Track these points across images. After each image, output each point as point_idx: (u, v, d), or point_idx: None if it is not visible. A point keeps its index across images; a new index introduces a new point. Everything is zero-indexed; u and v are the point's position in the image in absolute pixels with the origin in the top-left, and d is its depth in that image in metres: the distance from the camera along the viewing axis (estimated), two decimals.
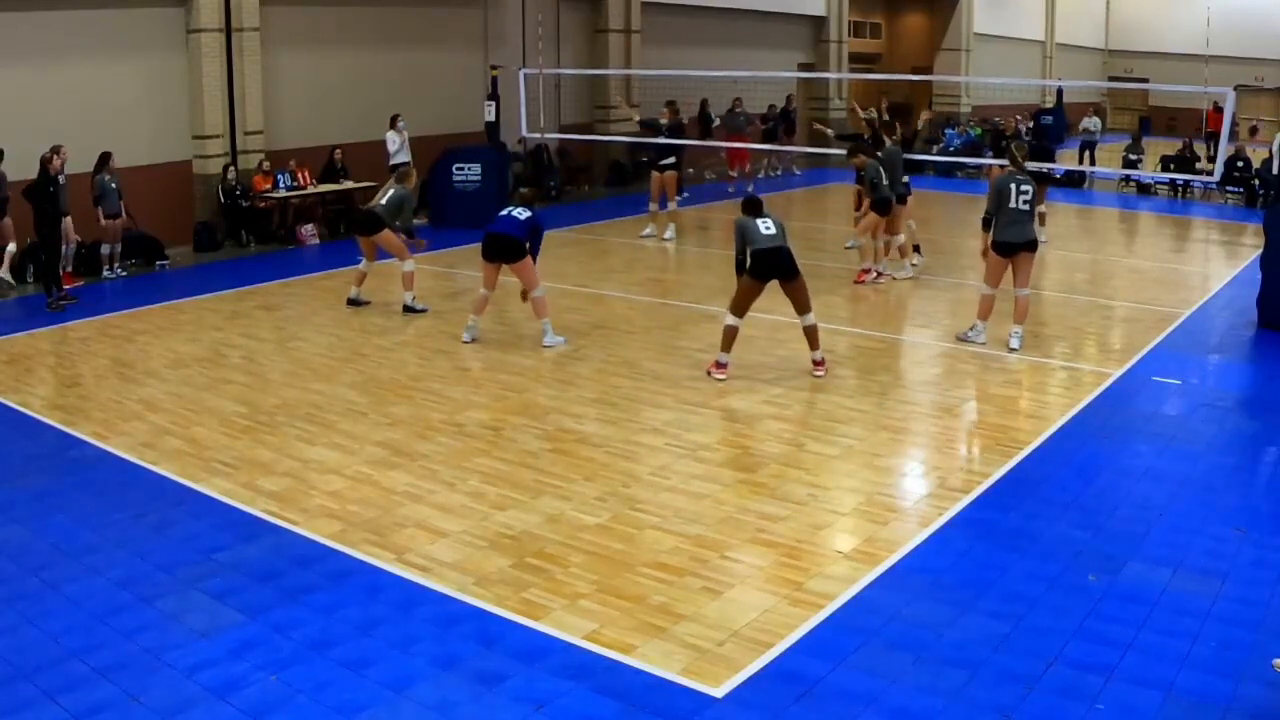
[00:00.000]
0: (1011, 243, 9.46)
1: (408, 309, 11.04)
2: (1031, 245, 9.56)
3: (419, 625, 5.08)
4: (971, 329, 9.92)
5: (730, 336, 8.80)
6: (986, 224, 9.65)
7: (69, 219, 12.17)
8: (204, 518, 6.26)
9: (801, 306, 8.81)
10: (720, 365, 8.85)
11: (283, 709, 4.42)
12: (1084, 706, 4.42)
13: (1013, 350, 9.61)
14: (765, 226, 8.64)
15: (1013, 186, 9.44)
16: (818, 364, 8.94)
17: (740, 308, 8.77)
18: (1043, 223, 15.17)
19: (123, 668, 4.69)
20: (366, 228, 11.05)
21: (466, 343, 9.86)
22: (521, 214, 9.75)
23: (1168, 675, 4.64)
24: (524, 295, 9.93)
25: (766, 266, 8.60)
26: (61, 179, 11.60)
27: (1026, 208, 9.46)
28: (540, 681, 4.60)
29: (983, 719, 4.37)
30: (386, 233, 10.90)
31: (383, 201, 11.08)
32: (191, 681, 4.59)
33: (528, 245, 9.63)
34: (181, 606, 5.22)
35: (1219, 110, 19.99)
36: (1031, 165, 15.14)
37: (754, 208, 8.88)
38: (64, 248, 12.25)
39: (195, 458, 7.19)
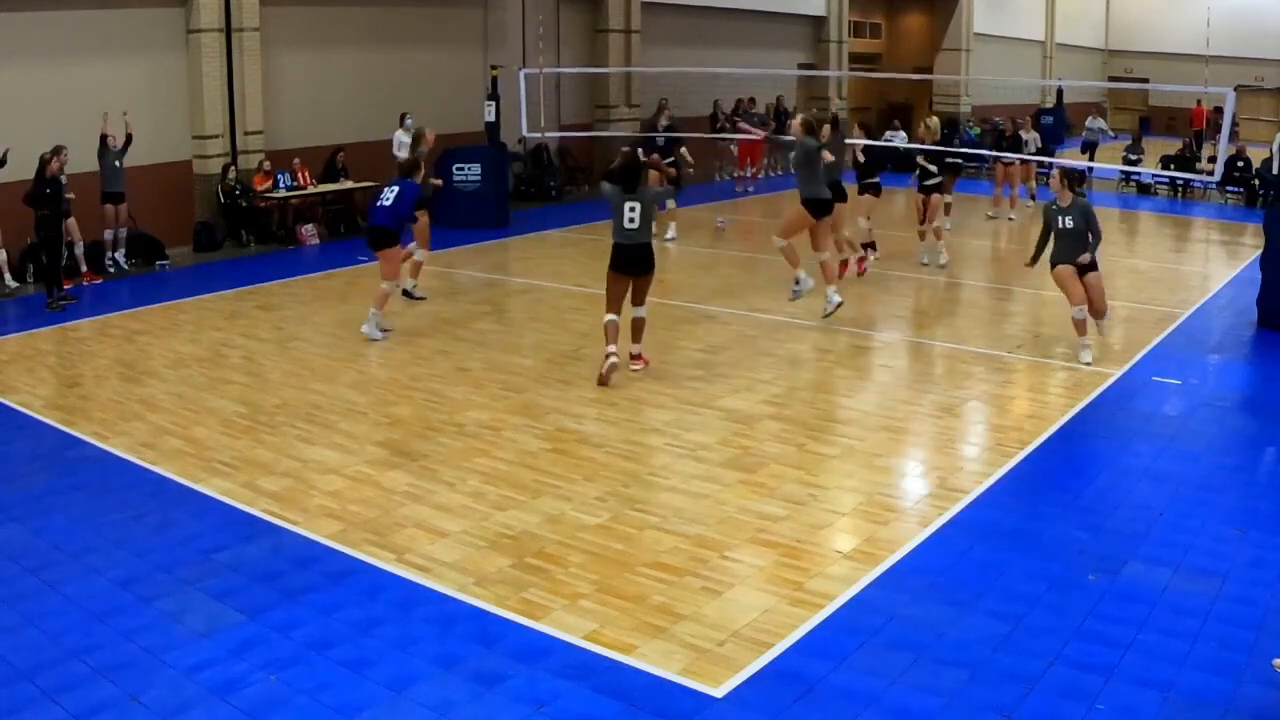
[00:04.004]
0: (820, 199, 10.07)
1: (407, 294, 11.22)
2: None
3: (419, 625, 5.08)
4: (796, 283, 10.43)
5: (608, 331, 8.67)
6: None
7: (73, 219, 12.28)
8: (204, 518, 6.26)
9: (637, 299, 8.84)
10: (634, 357, 8.88)
11: (283, 709, 4.42)
12: (1084, 706, 4.42)
13: (826, 315, 10.20)
14: (629, 219, 8.68)
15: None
16: (635, 357, 8.92)
17: (611, 303, 8.72)
18: (948, 212, 14.82)
19: (123, 668, 4.69)
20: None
21: (375, 339, 9.89)
22: (388, 198, 9.78)
23: (1168, 675, 4.64)
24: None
25: (622, 261, 8.75)
26: (64, 179, 11.69)
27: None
28: (540, 681, 4.60)
29: (983, 719, 4.37)
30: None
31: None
32: (191, 681, 4.59)
33: (407, 227, 9.92)
34: (181, 606, 5.22)
35: (1218, 111, 19.97)
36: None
37: (625, 177, 8.77)
38: (74, 245, 12.43)
39: (195, 458, 7.19)
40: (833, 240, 11.60)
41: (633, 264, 8.75)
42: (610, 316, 8.70)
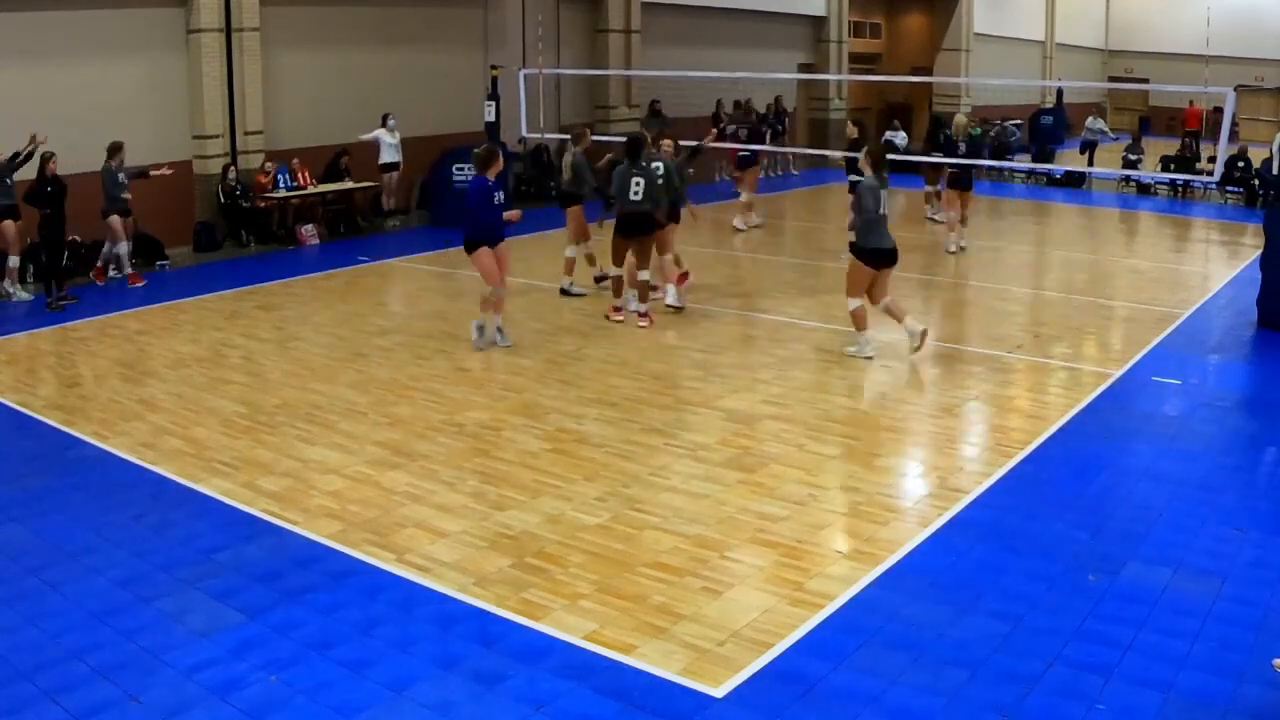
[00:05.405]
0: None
1: (564, 292, 11.67)
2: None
3: (419, 625, 5.08)
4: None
5: (615, 285, 10.44)
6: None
7: (116, 218, 12.54)
8: (204, 518, 6.26)
9: (641, 261, 10.13)
10: (616, 309, 10.30)
11: (283, 709, 4.42)
12: (1084, 706, 4.42)
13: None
14: (634, 191, 9.95)
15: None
16: (641, 315, 10.21)
17: (618, 259, 10.32)
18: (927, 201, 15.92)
19: (123, 668, 4.69)
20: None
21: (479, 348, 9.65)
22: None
23: (1168, 675, 4.64)
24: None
25: (628, 226, 10.05)
26: (122, 176, 12.43)
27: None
28: (540, 681, 4.60)
29: (983, 719, 4.37)
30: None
31: (565, 176, 11.81)
32: (191, 681, 4.59)
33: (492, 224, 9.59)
34: (181, 606, 5.22)
35: (1218, 111, 19.98)
36: (1043, 166, 15.63)
37: (633, 150, 10.15)
38: (113, 246, 12.69)
39: (195, 458, 7.19)
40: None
41: (634, 228, 10.04)
42: (616, 271, 10.33)
